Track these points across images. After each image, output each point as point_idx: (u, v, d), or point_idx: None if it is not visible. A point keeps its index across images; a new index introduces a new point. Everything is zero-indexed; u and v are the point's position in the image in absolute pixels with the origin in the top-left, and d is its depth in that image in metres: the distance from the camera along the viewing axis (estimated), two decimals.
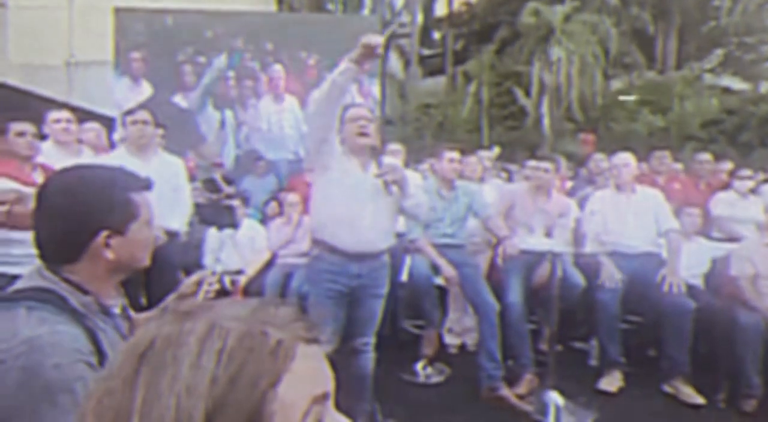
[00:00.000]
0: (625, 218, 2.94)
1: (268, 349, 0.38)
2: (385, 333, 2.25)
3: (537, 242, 2.88)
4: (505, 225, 2.89)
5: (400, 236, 2.54)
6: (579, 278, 2.81)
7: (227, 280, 1.07)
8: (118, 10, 6.09)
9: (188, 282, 1.09)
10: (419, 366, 2.95)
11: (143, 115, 2.58)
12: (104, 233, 0.85)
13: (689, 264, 2.92)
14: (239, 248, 3.56)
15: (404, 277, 2.71)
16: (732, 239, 3.19)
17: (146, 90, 6.25)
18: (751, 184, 3.52)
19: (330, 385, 0.43)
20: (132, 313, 1.01)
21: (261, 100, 6.27)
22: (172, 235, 2.61)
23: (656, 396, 2.64)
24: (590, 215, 3.02)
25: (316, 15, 9.34)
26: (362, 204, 1.98)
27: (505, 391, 2.54)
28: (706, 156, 4.23)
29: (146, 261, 0.95)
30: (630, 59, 11.19)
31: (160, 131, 2.85)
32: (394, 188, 2.02)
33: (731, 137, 9.74)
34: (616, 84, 10.83)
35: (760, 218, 3.01)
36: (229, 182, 4.94)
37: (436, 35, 13.09)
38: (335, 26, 6.87)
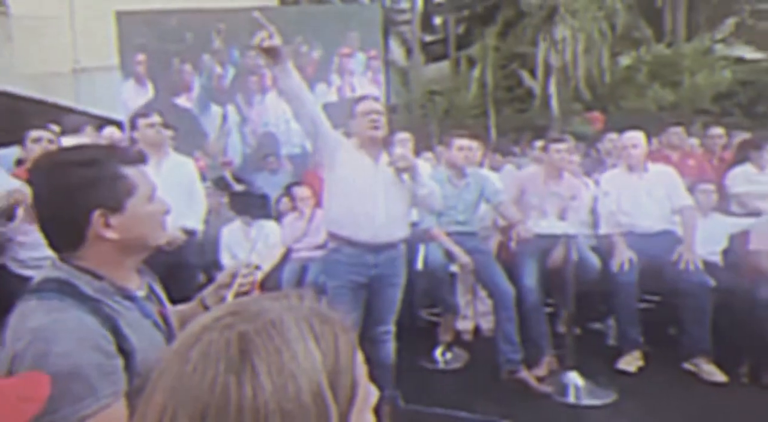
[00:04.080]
0: (638, 198, 2.91)
1: (342, 328, 0.46)
2: (402, 322, 2.27)
3: (550, 226, 2.87)
4: (517, 210, 2.89)
5: (413, 225, 2.55)
6: (595, 260, 2.80)
7: (259, 274, 1.07)
8: (119, 14, 6.10)
9: (225, 273, 1.09)
10: (438, 352, 2.99)
11: (156, 117, 2.61)
12: (98, 212, 0.81)
13: (706, 241, 2.89)
14: (254, 245, 3.60)
15: (419, 266, 2.72)
16: (751, 213, 3.14)
17: (150, 92, 6.29)
18: None
19: None
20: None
21: (266, 95, 6.28)
22: (189, 234, 2.66)
23: (677, 374, 2.64)
24: (603, 196, 3.00)
25: (317, 6, 9.23)
26: (375, 196, 2.00)
27: (525, 373, 2.57)
28: (718, 130, 4.15)
29: (158, 239, 0.89)
30: (638, 34, 10.87)
31: (170, 133, 2.89)
32: (406, 177, 2.03)
33: (746, 109, 9.46)
34: (625, 60, 10.52)
35: None
36: (239, 180, 4.95)
37: (437, 20, 12.87)
38: (336, 17, 6.81)
